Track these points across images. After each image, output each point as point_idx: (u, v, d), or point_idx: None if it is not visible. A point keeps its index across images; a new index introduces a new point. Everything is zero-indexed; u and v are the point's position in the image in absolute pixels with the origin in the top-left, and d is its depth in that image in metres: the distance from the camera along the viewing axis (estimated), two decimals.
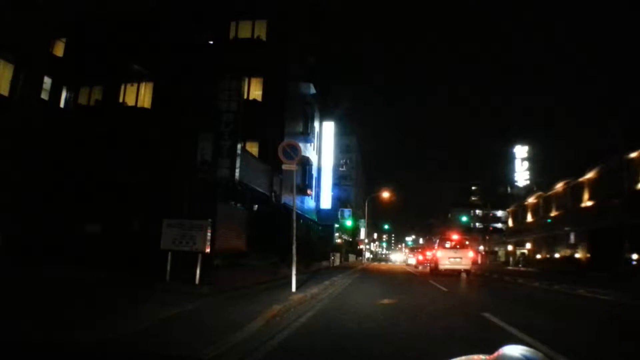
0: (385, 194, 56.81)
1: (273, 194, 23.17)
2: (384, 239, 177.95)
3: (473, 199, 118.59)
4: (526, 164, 71.24)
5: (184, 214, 13.70)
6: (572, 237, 46.26)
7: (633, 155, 31.47)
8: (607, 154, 33.80)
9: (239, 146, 15.87)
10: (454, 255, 27.25)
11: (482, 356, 1.40)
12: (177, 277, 12.49)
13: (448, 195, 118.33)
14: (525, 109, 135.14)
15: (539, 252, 54.90)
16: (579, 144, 46.34)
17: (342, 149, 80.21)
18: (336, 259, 39.74)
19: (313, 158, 35.51)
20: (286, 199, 26.97)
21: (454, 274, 27.25)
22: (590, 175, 40.20)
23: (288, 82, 28.51)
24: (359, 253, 69.43)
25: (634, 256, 30.43)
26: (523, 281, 23.70)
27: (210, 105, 16.60)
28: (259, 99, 27.27)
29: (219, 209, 15.45)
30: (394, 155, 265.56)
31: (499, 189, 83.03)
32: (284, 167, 13.68)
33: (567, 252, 46.07)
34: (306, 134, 32.31)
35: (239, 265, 16.67)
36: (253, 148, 26.17)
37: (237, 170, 15.44)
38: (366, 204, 60.50)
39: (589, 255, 39.95)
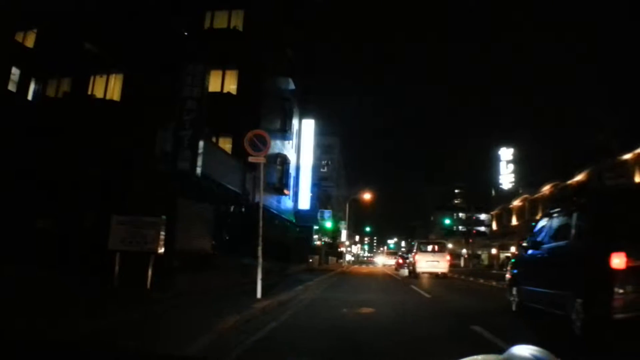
0: (367, 196, 55.50)
1: (246, 192, 21.74)
2: (366, 242, 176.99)
3: (456, 202, 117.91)
4: (511, 166, 70.31)
5: (138, 210, 12.21)
6: None
7: (627, 156, 30.49)
8: (599, 156, 32.79)
9: (201, 139, 14.35)
10: (431, 259, 28.20)
11: (491, 356, 1.40)
12: (128, 280, 11.09)
13: (431, 199, 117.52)
14: (511, 110, 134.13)
15: None
16: (568, 146, 45.32)
17: (324, 150, 78.74)
18: (315, 261, 38.29)
19: (291, 156, 34.10)
20: (265, 198, 25.64)
21: (431, 276, 27.91)
22: (579, 177, 39.20)
23: (265, 76, 27.12)
24: (340, 255, 68.10)
25: None
26: (484, 281, 24.79)
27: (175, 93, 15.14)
28: (234, 92, 25.86)
29: (181, 205, 13.97)
30: (377, 157, 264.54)
31: (483, 192, 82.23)
32: (250, 159, 12.28)
33: None
34: (284, 131, 30.90)
35: (203, 268, 15.21)
36: (226, 144, 24.82)
37: (199, 163, 13.96)
38: (347, 205, 59.07)
39: None
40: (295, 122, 35.85)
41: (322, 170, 79.56)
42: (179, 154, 13.45)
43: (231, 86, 26.21)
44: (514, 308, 10.49)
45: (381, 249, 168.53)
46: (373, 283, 22.64)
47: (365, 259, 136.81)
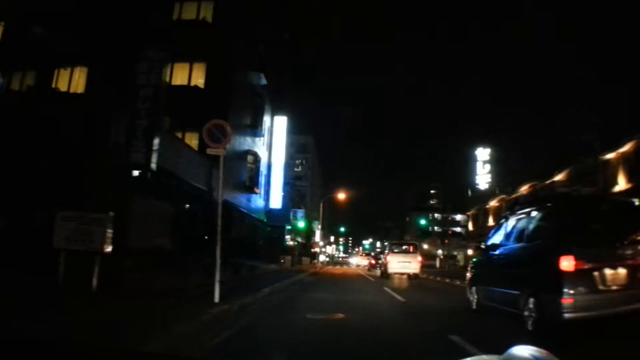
0: (341, 195, 54.64)
1: (211, 189, 20.73)
2: (341, 242, 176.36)
3: (432, 202, 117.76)
4: (488, 166, 70.19)
5: (88, 206, 11.20)
6: None
7: (609, 156, 30.05)
8: (580, 156, 32.31)
9: (159, 130, 13.34)
10: (402, 260, 28.52)
11: (491, 356, 1.42)
12: (74, 281, 10.11)
13: (407, 199, 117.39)
14: (491, 110, 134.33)
15: None
16: (549, 146, 44.85)
17: (298, 149, 78.07)
18: (287, 262, 37.43)
19: (263, 154, 33.13)
20: (228, 195, 24.61)
21: (403, 277, 28.29)
22: (559, 177, 38.75)
23: (235, 70, 26.11)
24: (314, 256, 67.27)
25: None
26: (460, 283, 23.47)
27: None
28: (201, 86, 24.82)
29: (135, 201, 12.97)
30: (353, 157, 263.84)
31: (459, 192, 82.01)
32: (208, 151, 11.36)
33: None
34: (255, 127, 29.90)
35: (161, 268, 14.20)
36: (193, 140, 23.74)
37: (155, 156, 12.92)
38: (321, 205, 58.15)
39: None
40: (267, 118, 34.91)
41: (296, 169, 78.86)
42: (132, 146, 12.41)
43: (199, 80, 25.16)
44: (473, 306, 10.79)
45: (356, 249, 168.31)
46: (344, 285, 21.76)
47: (340, 259, 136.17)
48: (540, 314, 7.28)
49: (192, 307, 9.28)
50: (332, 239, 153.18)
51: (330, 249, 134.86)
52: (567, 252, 6.91)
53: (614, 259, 7.17)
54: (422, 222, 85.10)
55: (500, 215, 12.36)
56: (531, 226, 8.49)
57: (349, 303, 12.84)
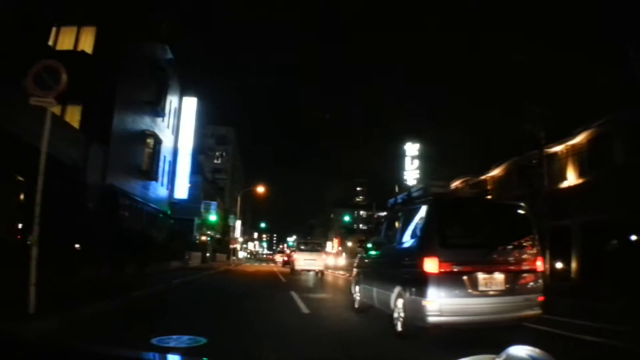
0: (260, 189, 51.49)
1: (83, 168, 17.26)
2: (265, 239, 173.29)
3: (358, 199, 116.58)
4: (416, 162, 68.82)
5: None
6: None
7: (556, 149, 28.31)
8: (522, 148, 30.49)
9: None
10: (308, 258, 29.60)
11: (487, 356, 1.46)
12: None
13: (331, 195, 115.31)
14: (423, 102, 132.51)
15: None
16: (487, 139, 42.77)
17: (218, 140, 74.47)
18: (194, 259, 33.83)
19: (167, 138, 29.56)
20: (117, 180, 21.14)
21: (309, 273, 29.42)
22: (495, 172, 36.96)
23: (131, 36, 22.62)
24: (233, 252, 63.79)
25: (559, 265, 27.27)
26: None
27: None
28: (89, 52, 21.20)
29: None
30: (277, 152, 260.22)
31: (386, 189, 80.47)
32: (32, 101, 8.06)
33: None
34: (155, 105, 26.27)
35: None
36: (75, 114, 20.16)
37: None
38: (239, 198, 54.67)
39: None
40: (174, 99, 31.33)
41: (215, 161, 75.24)
42: None
43: (87, 46, 21.54)
44: (356, 305, 10.62)
45: (280, 246, 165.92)
46: (248, 287, 18.73)
47: (264, 256, 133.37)
48: (406, 316, 7.12)
49: None
50: (255, 235, 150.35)
51: (252, 245, 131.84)
52: (431, 254, 6.74)
53: (490, 263, 6.91)
54: (346, 218, 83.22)
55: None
56: (403, 226, 8.27)
57: (238, 315, 9.87)
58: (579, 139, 26.78)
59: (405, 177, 70.49)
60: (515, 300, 6.84)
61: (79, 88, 19.99)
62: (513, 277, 6.92)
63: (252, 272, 33.26)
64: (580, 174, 26.92)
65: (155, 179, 27.10)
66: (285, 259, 47.33)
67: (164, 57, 27.82)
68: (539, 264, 7.30)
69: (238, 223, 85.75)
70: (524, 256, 7.22)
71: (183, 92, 33.00)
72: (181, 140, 32.26)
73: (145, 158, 25.19)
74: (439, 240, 6.91)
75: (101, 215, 18.29)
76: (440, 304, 6.49)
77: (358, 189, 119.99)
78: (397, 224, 8.71)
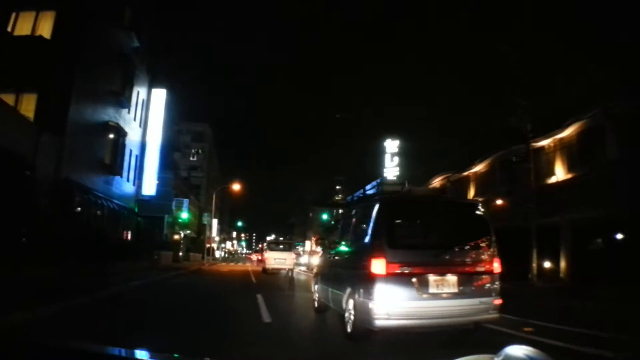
0: (237, 186, 49.96)
1: (38, 162, 15.78)
2: (244, 238, 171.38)
3: (337, 198, 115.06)
4: (396, 159, 67.65)
5: None
6: None
7: (544, 142, 27.26)
8: (508, 143, 29.41)
9: None
10: (278, 257, 30.33)
11: (486, 356, 1.51)
12: None
13: (311, 194, 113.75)
14: (401, 98, 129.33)
15: None
16: (470, 135, 41.56)
17: (194, 137, 72.79)
18: (165, 259, 32.18)
19: (133, 131, 27.98)
20: (75, 173, 19.65)
21: (281, 272, 30.10)
22: (479, 167, 35.75)
23: (92, 21, 21.11)
24: (209, 252, 62.09)
25: (547, 264, 26.16)
26: None
27: None
28: (47, 37, 19.72)
29: None
30: (255, 149, 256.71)
31: (364, 186, 79.20)
32: None
33: None
34: (119, 95, 24.69)
35: None
36: (30, 103, 18.67)
37: None
38: (214, 196, 52.98)
39: None
40: (142, 90, 29.70)
41: (191, 159, 73.52)
42: None
43: (46, 31, 20.06)
44: (315, 305, 10.48)
45: (260, 245, 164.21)
46: (213, 289, 17.36)
47: (244, 255, 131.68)
48: (356, 318, 6.97)
49: None
50: (234, 234, 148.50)
51: (229, 245, 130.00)
52: (378, 255, 6.54)
53: (442, 264, 6.66)
54: (325, 217, 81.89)
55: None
56: (356, 225, 8.17)
57: (191, 326, 8.49)
58: (569, 131, 25.87)
59: (385, 174, 69.51)
60: (469, 303, 6.60)
61: (35, 75, 18.75)
62: (467, 279, 6.66)
63: (225, 272, 31.79)
64: (570, 168, 26.05)
65: (120, 174, 25.51)
66: (260, 258, 47.35)
67: (129, 45, 26.20)
68: (496, 266, 7.01)
69: (214, 222, 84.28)
70: (480, 257, 6.97)
71: (152, 83, 31.33)
72: (150, 133, 30.53)
73: (107, 151, 23.60)
74: (387, 240, 6.67)
75: (55, 211, 16.83)
76: (388, 306, 6.29)
77: (337, 187, 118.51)
78: (352, 224, 8.46)
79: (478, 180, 36.48)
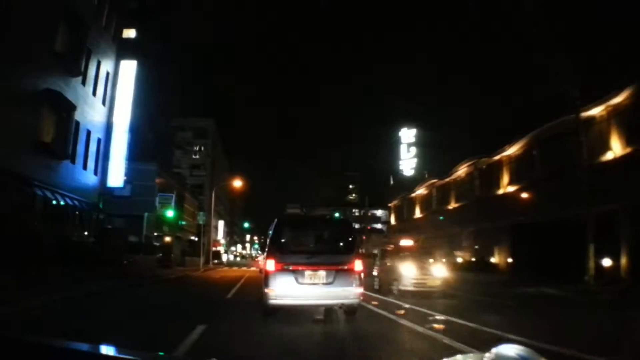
0: (238, 183, 44.89)
1: None
2: (257, 241, 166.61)
3: (350, 197, 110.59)
4: (413, 149, 62.13)
5: None
6: (464, 236, 37.40)
7: (594, 111, 22.25)
8: (550, 116, 24.43)
9: None
10: None
11: (478, 354, 1.54)
12: None
13: (323, 194, 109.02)
14: (417, 82, 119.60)
15: None
16: (494, 115, 36.15)
17: (196, 134, 68.02)
18: (144, 263, 26.87)
19: (94, 110, 23.07)
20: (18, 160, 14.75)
21: None
22: (512, 150, 30.49)
23: None
24: (216, 256, 56.98)
25: (606, 262, 21.25)
26: None
27: None
28: None
29: None
30: (266, 146, 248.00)
31: (379, 183, 73.89)
32: None
33: (465, 253, 36.63)
34: (65, 58, 19.57)
35: None
36: None
37: None
38: (213, 194, 47.73)
39: (511, 260, 30.18)
40: (106, 62, 24.60)
41: (194, 156, 68.98)
42: None
43: None
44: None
45: None
46: (154, 313, 12.28)
47: (255, 259, 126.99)
48: (263, 300, 9.55)
49: None
50: (247, 237, 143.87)
51: (240, 248, 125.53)
52: (271, 257, 9.39)
53: (315, 263, 9.30)
54: (337, 216, 76.75)
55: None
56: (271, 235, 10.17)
57: None
58: (625, 95, 21.01)
59: (401, 167, 64.06)
60: (335, 290, 9.24)
61: None
62: (333, 274, 9.26)
63: (212, 279, 26.28)
64: (629, 141, 21.24)
65: (70, 159, 20.51)
66: (261, 264, 42.85)
67: (84, 4, 21.22)
68: (357, 264, 9.54)
69: (221, 223, 79.21)
70: (345, 258, 9.64)
71: (121, 54, 26.18)
72: (117, 114, 25.28)
73: (48, 128, 18.60)
74: (277, 247, 9.68)
75: None
76: (277, 291, 9.11)
77: (350, 186, 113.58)
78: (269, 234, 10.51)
79: (512, 164, 31.16)
